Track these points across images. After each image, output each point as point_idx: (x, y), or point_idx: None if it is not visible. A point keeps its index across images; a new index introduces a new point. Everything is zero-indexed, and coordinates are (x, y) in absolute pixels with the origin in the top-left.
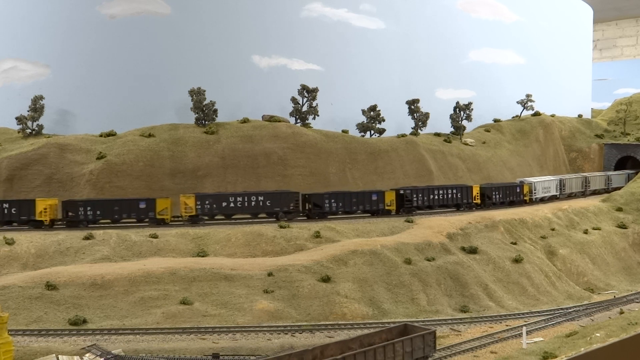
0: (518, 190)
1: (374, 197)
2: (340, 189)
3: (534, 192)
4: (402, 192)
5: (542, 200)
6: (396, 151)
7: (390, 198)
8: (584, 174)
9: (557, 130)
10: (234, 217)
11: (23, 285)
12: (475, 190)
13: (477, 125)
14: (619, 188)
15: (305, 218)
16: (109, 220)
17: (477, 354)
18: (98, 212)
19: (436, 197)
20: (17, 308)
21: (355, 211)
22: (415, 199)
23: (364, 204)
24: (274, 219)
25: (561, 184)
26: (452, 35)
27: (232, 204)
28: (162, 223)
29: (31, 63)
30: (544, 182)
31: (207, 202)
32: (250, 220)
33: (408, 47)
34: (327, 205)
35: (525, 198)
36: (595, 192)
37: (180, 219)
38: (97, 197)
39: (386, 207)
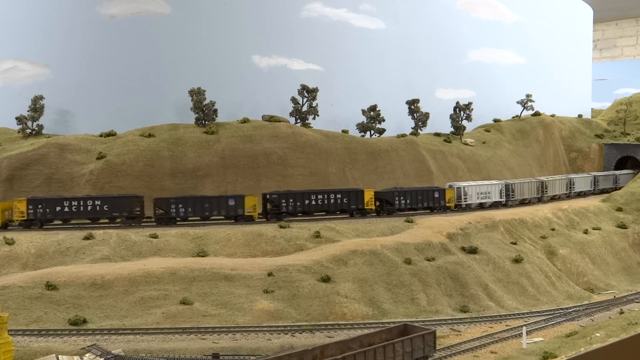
0: (436, 196)
1: (231, 202)
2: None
3: (463, 197)
4: (268, 196)
5: (482, 206)
6: (396, 151)
7: (251, 203)
8: (543, 177)
9: (557, 130)
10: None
11: (23, 285)
12: (368, 196)
13: (477, 125)
14: (585, 193)
15: (155, 224)
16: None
17: (477, 354)
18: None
19: (313, 202)
20: (17, 308)
21: (208, 217)
22: (284, 204)
23: (218, 210)
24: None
25: (509, 189)
26: (452, 35)
27: (67, 209)
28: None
29: (31, 63)
30: (479, 187)
31: (40, 206)
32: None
33: (408, 47)
34: (174, 210)
35: (448, 205)
36: (554, 198)
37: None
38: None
39: (246, 213)
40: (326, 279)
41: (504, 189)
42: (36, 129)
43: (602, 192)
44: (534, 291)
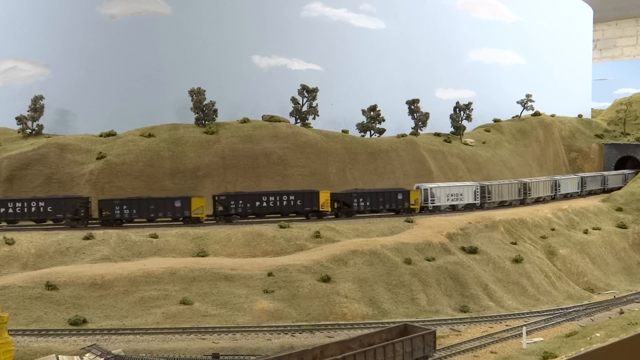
0: (400, 198)
1: (177, 204)
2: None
3: (430, 199)
4: (217, 198)
5: (454, 209)
6: (396, 151)
7: (198, 205)
8: (526, 179)
9: (557, 130)
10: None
11: (23, 285)
12: (324, 197)
13: (477, 125)
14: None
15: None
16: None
17: (477, 354)
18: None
19: (264, 204)
20: (17, 308)
21: (154, 219)
22: (233, 206)
23: (164, 211)
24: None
25: (485, 191)
26: (452, 35)
27: (11, 210)
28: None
29: (31, 63)
30: (449, 188)
31: None
32: (249, 221)
33: (408, 47)
34: (119, 212)
35: (413, 207)
36: (539, 200)
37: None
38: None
39: (193, 215)
40: (326, 279)
41: (478, 190)
42: (36, 129)
43: (590, 193)
44: (534, 291)
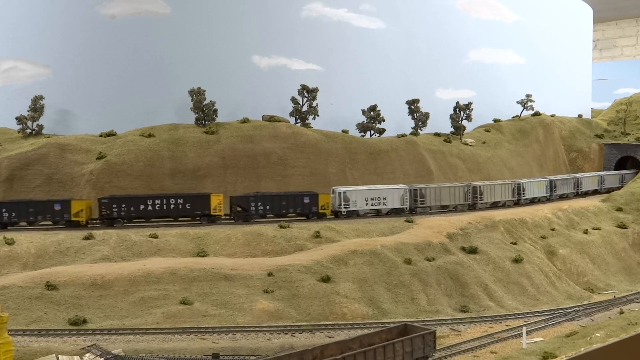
0: (307, 201)
1: (57, 207)
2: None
3: (344, 203)
4: (100, 200)
5: (378, 213)
6: (396, 151)
7: (78, 208)
8: (478, 182)
9: (557, 130)
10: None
11: (23, 285)
12: (216, 201)
13: (477, 125)
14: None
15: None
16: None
17: (477, 354)
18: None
19: (150, 207)
20: (17, 308)
21: (34, 222)
22: (115, 209)
23: (44, 214)
24: None
25: (417, 195)
26: (452, 35)
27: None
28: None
29: (31, 63)
30: (369, 192)
31: None
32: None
33: (408, 47)
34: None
35: (323, 211)
36: (497, 205)
37: None
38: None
39: (73, 218)
40: (326, 279)
41: (406, 194)
42: (36, 129)
43: (561, 197)
44: (534, 291)
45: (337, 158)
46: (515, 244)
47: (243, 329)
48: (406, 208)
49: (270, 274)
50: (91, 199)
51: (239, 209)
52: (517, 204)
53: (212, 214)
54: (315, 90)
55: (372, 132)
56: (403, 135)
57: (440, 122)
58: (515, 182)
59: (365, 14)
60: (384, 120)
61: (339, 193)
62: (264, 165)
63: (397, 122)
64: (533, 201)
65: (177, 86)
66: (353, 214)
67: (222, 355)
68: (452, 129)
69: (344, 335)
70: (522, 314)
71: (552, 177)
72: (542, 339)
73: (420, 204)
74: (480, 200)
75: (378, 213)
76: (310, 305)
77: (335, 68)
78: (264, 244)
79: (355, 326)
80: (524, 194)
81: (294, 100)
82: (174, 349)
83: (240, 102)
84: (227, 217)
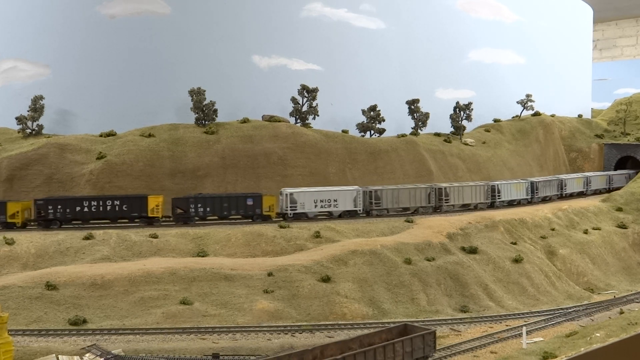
0: (249, 203)
1: None
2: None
3: (291, 205)
4: (35, 202)
5: (331, 216)
6: (396, 151)
7: (14, 210)
8: (444, 184)
9: (557, 130)
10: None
11: (23, 285)
12: (154, 202)
13: (477, 125)
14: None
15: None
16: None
17: (477, 354)
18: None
19: (86, 209)
20: (17, 308)
21: None
22: (51, 211)
23: None
24: None
25: (372, 197)
26: (452, 35)
27: None
28: None
29: (31, 63)
30: (319, 194)
31: None
32: (250, 221)
33: (408, 47)
34: None
35: (267, 213)
36: (467, 207)
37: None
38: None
39: (8, 220)
40: (326, 279)
41: (359, 196)
42: (36, 129)
43: (544, 200)
44: (534, 291)
45: (337, 158)
46: (515, 244)
47: (243, 329)
48: (359, 210)
49: (270, 274)
50: (29, 201)
51: (179, 210)
52: (490, 206)
53: (149, 215)
54: (315, 90)
55: (372, 132)
56: (403, 135)
57: (440, 122)
58: (489, 184)
59: (365, 14)
60: (384, 120)
61: (287, 194)
62: (264, 165)
63: (397, 122)
64: (512, 204)
65: (177, 86)
66: (301, 216)
67: (222, 355)
68: (452, 129)
69: (344, 335)
70: (522, 314)
71: (534, 179)
72: (542, 339)
73: (376, 206)
74: (446, 202)
75: (330, 215)
76: (310, 305)
77: (335, 68)
78: (264, 244)
79: (355, 326)
80: (499, 196)
81: (294, 100)
82: (174, 349)
83: (240, 102)
84: (168, 218)
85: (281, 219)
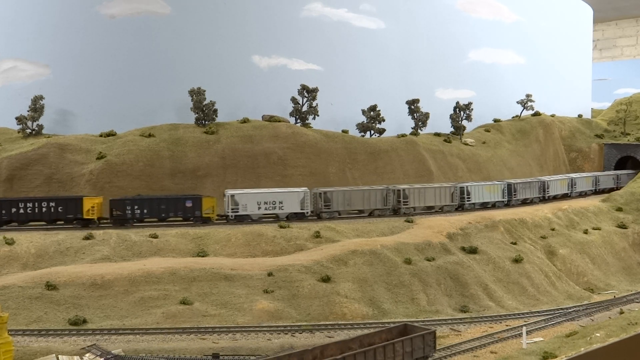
0: (189, 205)
1: None
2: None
3: (233, 207)
4: None
5: (278, 218)
6: (396, 151)
7: None
8: (405, 185)
9: (557, 130)
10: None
11: (23, 285)
12: (89, 204)
13: (477, 125)
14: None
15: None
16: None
17: (477, 354)
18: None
19: (21, 210)
20: (17, 308)
21: None
22: None
23: None
24: None
25: (322, 199)
26: (452, 35)
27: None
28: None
29: (31, 63)
30: (263, 196)
31: None
32: (249, 221)
33: (408, 47)
34: None
35: (208, 215)
36: (432, 210)
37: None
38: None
39: None
40: (326, 279)
41: (307, 198)
42: (36, 129)
43: (524, 203)
44: (534, 291)
45: (337, 158)
46: (515, 244)
47: (243, 329)
48: (307, 213)
49: (270, 274)
50: None
51: (116, 212)
52: (459, 209)
53: (85, 217)
54: (315, 90)
55: (372, 132)
56: (403, 135)
57: (440, 122)
58: (457, 185)
59: (365, 13)
60: (384, 120)
61: (229, 196)
62: (264, 165)
63: (397, 122)
64: (485, 206)
65: (177, 86)
66: (244, 219)
67: (222, 355)
68: (452, 129)
69: (344, 335)
70: (522, 314)
71: (512, 181)
72: (542, 339)
73: (326, 208)
74: (405, 204)
75: (277, 218)
76: (310, 305)
77: (335, 68)
78: (264, 244)
79: (355, 326)
80: (469, 198)
81: (294, 100)
82: (174, 349)
83: (240, 102)
84: (105, 220)
85: (224, 221)
